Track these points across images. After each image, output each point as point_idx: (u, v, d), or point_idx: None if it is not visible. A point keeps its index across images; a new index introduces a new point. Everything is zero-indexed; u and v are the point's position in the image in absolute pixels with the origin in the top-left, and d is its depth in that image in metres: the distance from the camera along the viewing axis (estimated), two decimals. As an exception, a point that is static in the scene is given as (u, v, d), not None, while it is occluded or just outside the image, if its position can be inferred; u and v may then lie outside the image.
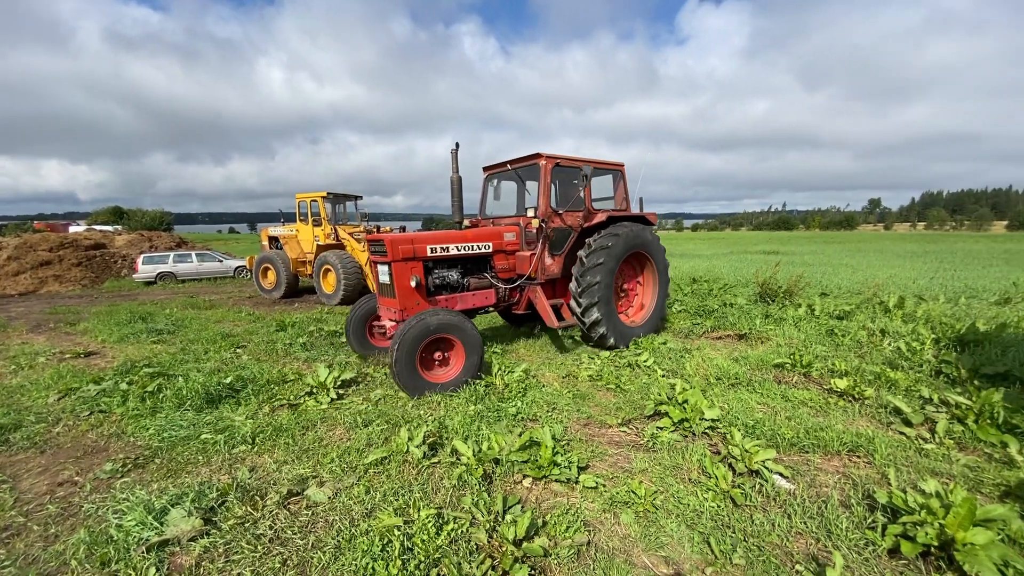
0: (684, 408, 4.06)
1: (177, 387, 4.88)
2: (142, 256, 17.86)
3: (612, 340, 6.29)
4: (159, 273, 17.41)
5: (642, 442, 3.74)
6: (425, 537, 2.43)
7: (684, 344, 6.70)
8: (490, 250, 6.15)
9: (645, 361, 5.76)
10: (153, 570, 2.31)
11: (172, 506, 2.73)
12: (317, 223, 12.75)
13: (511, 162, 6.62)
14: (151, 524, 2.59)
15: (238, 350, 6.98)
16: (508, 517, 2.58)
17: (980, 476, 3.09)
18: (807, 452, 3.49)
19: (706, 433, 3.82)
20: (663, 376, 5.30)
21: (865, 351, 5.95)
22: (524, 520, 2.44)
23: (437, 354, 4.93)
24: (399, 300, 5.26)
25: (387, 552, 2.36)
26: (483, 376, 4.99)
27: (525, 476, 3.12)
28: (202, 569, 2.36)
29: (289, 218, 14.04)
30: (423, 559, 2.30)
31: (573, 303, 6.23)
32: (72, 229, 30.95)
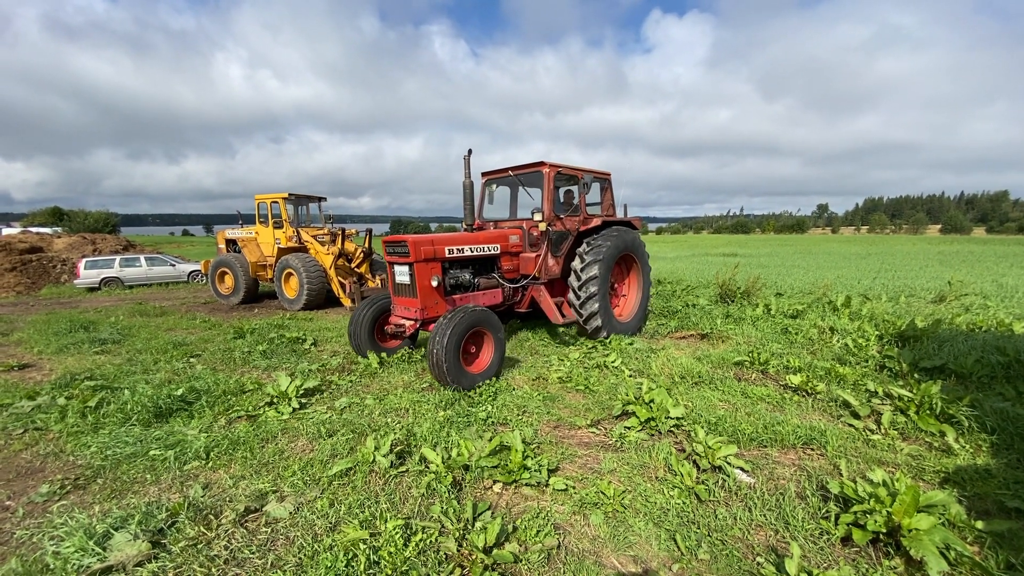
0: (650, 407, 4.15)
1: (122, 401, 4.55)
2: (84, 260, 16.65)
3: (605, 332, 6.71)
4: (104, 278, 16.29)
5: (611, 442, 3.79)
6: (392, 549, 2.36)
7: (650, 344, 6.87)
8: (498, 251, 6.49)
9: (613, 362, 5.86)
10: (93, 600, 2.14)
11: (116, 529, 2.54)
12: (278, 225, 12.28)
13: (512, 169, 7.01)
14: (92, 550, 2.40)
15: (192, 359, 6.61)
16: (478, 524, 2.55)
17: (922, 464, 3.31)
18: (765, 446, 3.63)
19: (671, 431, 3.92)
20: (630, 376, 5.40)
21: (816, 348, 6.28)
22: (494, 527, 2.41)
23: (471, 348, 5.26)
24: (420, 299, 5.48)
25: (352, 567, 2.28)
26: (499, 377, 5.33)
27: (495, 481, 3.10)
28: (150, 596, 2.21)
29: (248, 220, 13.47)
30: (390, 572, 2.23)
31: (572, 295, 6.61)
32: (5, 231, 28.53)
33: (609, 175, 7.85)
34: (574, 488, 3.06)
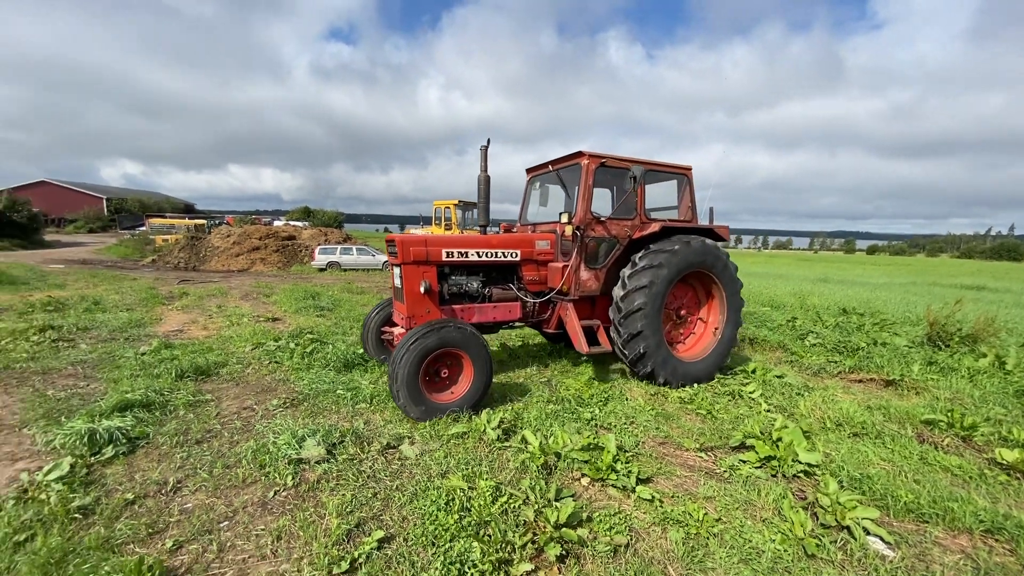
0: (776, 446, 3.75)
1: (326, 352, 6.15)
2: (319, 248, 22.06)
3: (663, 377, 5.35)
4: (328, 262, 21.31)
5: (718, 471, 3.58)
6: (482, 502, 2.80)
7: (807, 381, 5.97)
8: (517, 258, 5.51)
9: (751, 392, 5.33)
10: (290, 477, 3.15)
11: (308, 437, 3.60)
12: (448, 227, 14.30)
13: (552, 163, 6.01)
14: (293, 446, 3.47)
15: (374, 329, 8.34)
16: (556, 504, 2.81)
17: None
18: (926, 522, 2.97)
19: (797, 477, 3.48)
20: (767, 411, 4.85)
21: (1068, 423, 4.60)
22: (567, 508, 2.65)
23: (443, 371, 4.47)
24: (408, 306, 4.89)
25: (449, 506, 2.81)
26: (476, 409, 4.39)
27: (584, 475, 3.30)
28: (320, 485, 3.12)
29: (428, 221, 16.00)
30: (476, 519, 2.67)
31: (613, 331, 5.39)
32: (276, 223, 39.36)
33: (688, 170, 6.15)
34: (661, 502, 3.05)
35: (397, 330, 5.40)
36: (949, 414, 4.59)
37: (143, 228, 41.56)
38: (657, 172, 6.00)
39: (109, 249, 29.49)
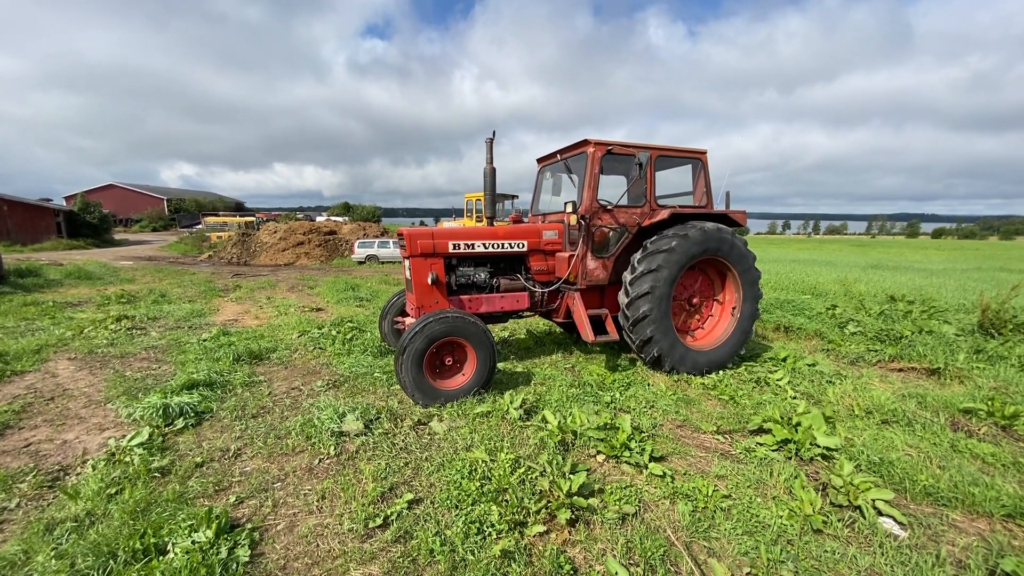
0: (795, 430, 3.78)
1: (365, 339, 6.59)
2: (358, 241, 22.97)
3: (670, 364, 5.33)
4: (367, 255, 22.17)
5: (733, 452, 3.67)
6: (502, 472, 3.06)
7: (840, 369, 5.85)
8: (524, 249, 5.61)
9: (778, 379, 5.31)
10: (332, 447, 3.53)
11: (348, 413, 3.98)
12: (480, 219, 14.62)
13: (561, 152, 5.97)
14: (335, 420, 3.86)
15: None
16: (571, 476, 3.02)
17: None
18: (944, 505, 2.97)
19: (814, 460, 3.53)
20: (792, 398, 4.84)
21: None
22: (579, 479, 2.86)
23: (447, 359, 4.63)
24: (417, 297, 5.10)
25: (472, 475, 3.08)
26: (487, 390, 4.65)
27: (599, 452, 3.49)
28: (358, 455, 3.48)
29: (460, 214, 16.38)
30: (495, 486, 2.93)
31: (621, 316, 5.42)
32: (318, 219, 41.13)
33: (703, 154, 5.96)
34: (672, 478, 3.20)
35: (408, 320, 5.71)
36: (990, 403, 4.44)
37: (200, 226, 44.44)
38: (670, 157, 5.86)
39: (171, 246, 31.92)
